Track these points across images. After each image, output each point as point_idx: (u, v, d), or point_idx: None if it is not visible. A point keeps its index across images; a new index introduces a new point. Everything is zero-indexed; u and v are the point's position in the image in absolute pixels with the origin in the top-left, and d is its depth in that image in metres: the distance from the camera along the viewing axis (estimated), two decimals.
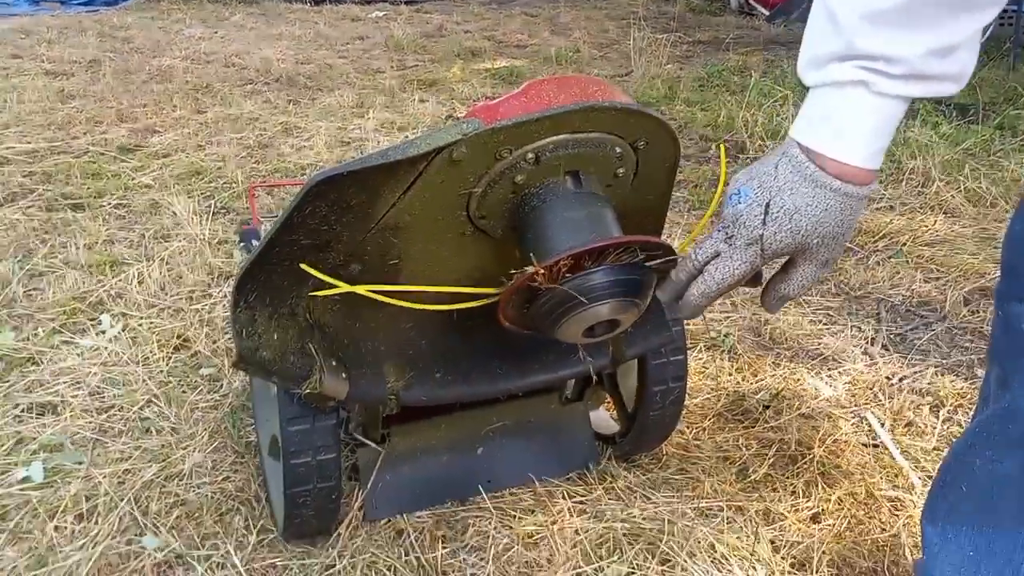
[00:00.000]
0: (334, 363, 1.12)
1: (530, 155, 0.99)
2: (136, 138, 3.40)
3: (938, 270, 2.34)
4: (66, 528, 1.34)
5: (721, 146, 1.36)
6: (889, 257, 2.42)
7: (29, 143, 3.28)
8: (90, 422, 1.63)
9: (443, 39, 5.79)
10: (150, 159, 3.14)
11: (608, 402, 1.60)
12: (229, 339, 1.91)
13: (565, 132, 0.98)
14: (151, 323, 1.98)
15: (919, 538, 0.96)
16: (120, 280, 2.17)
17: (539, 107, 0.96)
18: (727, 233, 0.82)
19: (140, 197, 2.76)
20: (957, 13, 0.69)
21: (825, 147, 0.75)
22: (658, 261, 0.99)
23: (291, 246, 1.00)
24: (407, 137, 3.44)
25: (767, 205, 0.78)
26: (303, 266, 0.99)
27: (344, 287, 1.00)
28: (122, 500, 1.40)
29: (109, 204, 2.71)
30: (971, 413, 1.67)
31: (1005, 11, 5.18)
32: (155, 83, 4.32)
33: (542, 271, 0.94)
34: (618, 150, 1.03)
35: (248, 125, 3.58)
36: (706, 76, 4.48)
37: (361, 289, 1.02)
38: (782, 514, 1.40)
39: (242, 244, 2.39)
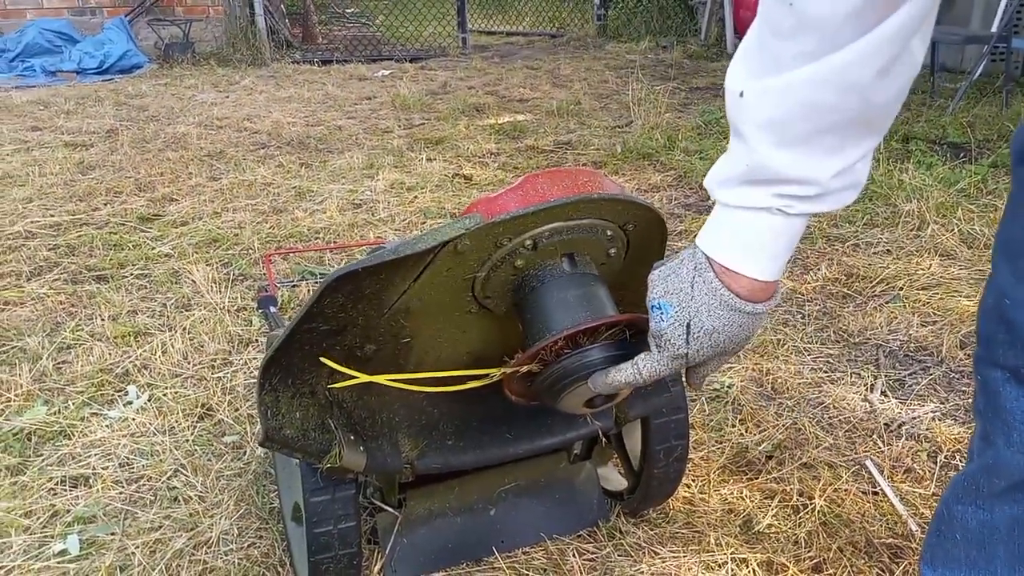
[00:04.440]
0: (352, 437, 1.20)
1: (528, 242, 1.07)
2: (154, 207, 3.52)
3: (935, 313, 2.40)
4: None
5: None
6: (887, 302, 2.49)
7: (53, 216, 3.41)
8: (121, 493, 1.70)
9: (448, 96, 5.96)
10: (168, 228, 3.26)
11: (616, 459, 1.67)
12: (251, 406, 1.99)
13: (559, 221, 1.06)
14: (175, 392, 2.07)
15: None
16: (145, 351, 2.27)
17: (534, 200, 1.05)
18: (655, 342, 0.90)
19: (160, 267, 2.87)
20: (860, 138, 0.75)
21: (737, 266, 0.81)
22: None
23: (311, 332, 1.09)
24: (416, 197, 3.55)
25: (688, 325, 0.85)
26: (323, 359, 1.07)
27: (362, 377, 1.08)
28: (154, 570, 1.47)
29: (131, 275, 2.82)
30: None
31: (996, 47, 5.30)
32: (171, 151, 4.47)
33: (534, 364, 1.03)
34: (609, 233, 1.12)
35: (262, 191, 3.71)
36: (703, 124, 4.60)
37: (379, 379, 1.10)
38: (784, 565, 1.45)
39: (260, 310, 2.49)
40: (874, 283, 2.60)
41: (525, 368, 1.05)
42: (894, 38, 0.69)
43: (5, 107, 5.81)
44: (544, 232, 1.07)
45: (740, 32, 7.42)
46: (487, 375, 1.12)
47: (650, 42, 8.28)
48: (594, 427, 1.34)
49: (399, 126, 4.99)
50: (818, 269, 2.72)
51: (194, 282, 2.71)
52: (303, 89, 6.30)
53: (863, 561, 1.46)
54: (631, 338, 1.06)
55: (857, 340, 2.29)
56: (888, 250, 2.86)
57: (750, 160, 0.76)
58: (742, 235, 0.81)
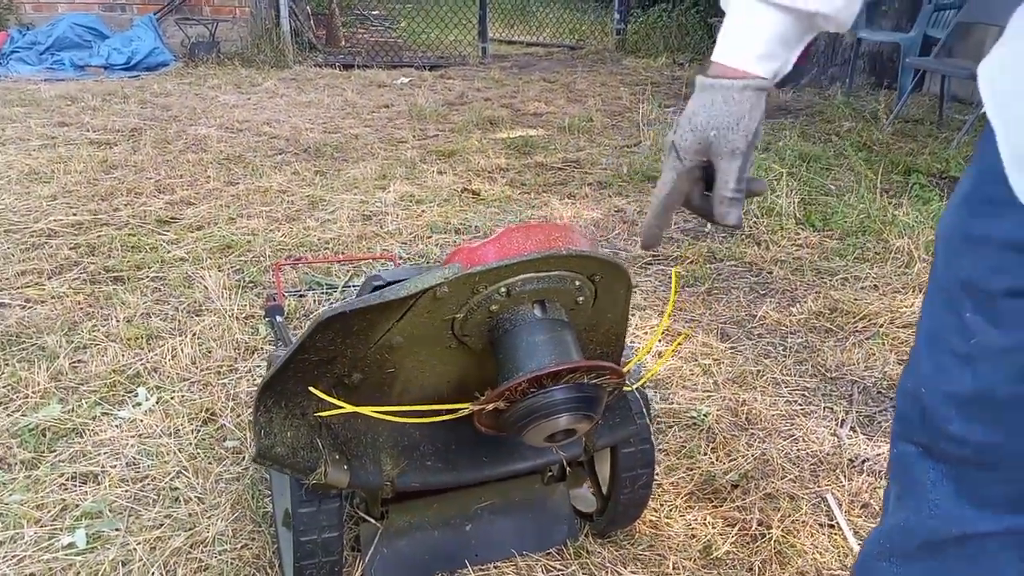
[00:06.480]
0: (337, 456, 1.32)
1: (502, 289, 1.19)
2: (172, 210, 3.66)
3: None
4: None
5: (675, 271, 1.55)
6: (867, 338, 2.58)
7: (75, 215, 3.55)
8: (126, 491, 1.83)
9: (464, 107, 6.08)
10: (185, 232, 3.39)
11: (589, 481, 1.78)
12: (251, 414, 2.11)
13: (531, 272, 1.18)
14: (182, 396, 2.20)
15: None
16: (155, 354, 2.40)
17: (510, 252, 1.16)
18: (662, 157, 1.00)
19: (175, 271, 3.00)
20: None
21: (715, 55, 0.92)
22: (607, 379, 1.18)
23: (304, 362, 1.20)
24: (424, 211, 3.67)
25: (678, 120, 0.95)
26: (312, 389, 1.19)
27: (347, 408, 1.20)
28: (154, 565, 1.60)
29: (147, 277, 2.95)
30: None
31: None
32: (191, 153, 4.62)
33: (501, 403, 1.14)
34: (577, 283, 1.23)
35: (276, 198, 3.84)
36: None
37: (362, 410, 1.22)
38: None
39: (267, 319, 2.62)
40: (857, 319, 2.69)
41: (492, 405, 1.17)
42: None
43: (34, 100, 5.98)
44: (517, 281, 1.18)
45: None
46: (459, 410, 1.23)
47: (667, 59, 8.38)
48: (560, 455, 1.45)
49: (413, 137, 5.11)
50: (804, 302, 2.81)
51: (206, 287, 2.84)
52: (323, 94, 6.44)
53: None
54: (590, 382, 1.17)
55: (834, 375, 2.39)
56: (875, 286, 2.96)
57: None
58: (724, 29, 0.92)
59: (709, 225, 3.54)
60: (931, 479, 0.94)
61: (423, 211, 3.68)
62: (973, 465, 0.87)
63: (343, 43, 9.23)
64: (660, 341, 2.57)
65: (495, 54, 9.04)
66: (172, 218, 3.57)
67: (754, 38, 0.90)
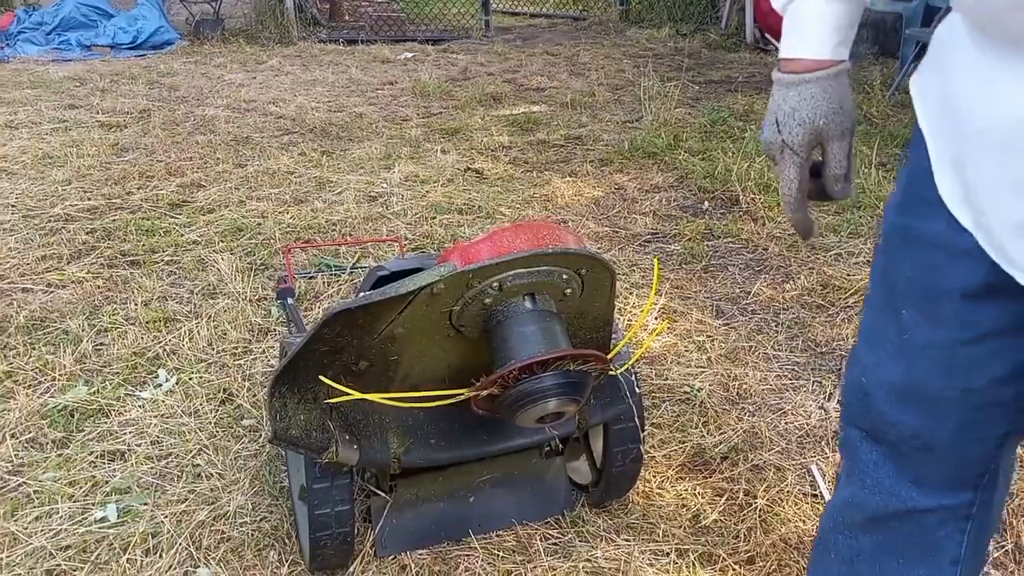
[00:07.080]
0: (347, 436, 1.43)
1: (495, 284, 1.29)
2: (184, 193, 3.76)
3: None
4: (136, 560, 1.66)
5: (656, 259, 1.65)
6: (857, 313, 2.67)
7: (90, 199, 3.66)
8: (152, 468, 1.95)
9: (467, 82, 6.13)
10: (197, 215, 3.50)
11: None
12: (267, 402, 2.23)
13: (520, 268, 1.27)
14: (200, 377, 2.31)
15: None
16: (173, 337, 2.51)
17: (502, 250, 1.26)
18: (771, 160, 1.05)
19: (188, 254, 3.11)
20: None
21: (788, 52, 1.00)
22: (592, 365, 1.29)
23: (314, 353, 1.31)
24: (428, 192, 3.76)
25: (776, 120, 1.02)
26: (322, 378, 1.29)
27: (355, 395, 1.31)
28: (180, 537, 1.72)
29: (162, 261, 3.06)
30: None
31: None
32: (200, 134, 4.70)
33: (495, 388, 1.24)
34: (565, 276, 1.33)
35: (285, 180, 3.93)
36: (710, 123, 4.75)
37: (369, 396, 1.32)
38: (722, 556, 1.67)
39: (279, 301, 2.72)
40: (848, 294, 2.78)
41: (487, 391, 1.27)
42: None
43: (43, 83, 6.07)
44: (508, 276, 1.28)
45: (760, 22, 7.50)
46: (456, 395, 1.34)
47: (671, 29, 8.37)
48: (554, 434, 1.56)
49: (417, 115, 5.18)
50: (798, 278, 2.90)
51: (219, 271, 2.94)
52: (328, 71, 6.49)
53: (792, 556, 1.68)
54: (577, 368, 1.27)
55: (823, 350, 2.49)
56: (868, 261, 3.04)
57: None
58: (789, 26, 1.00)
59: (707, 203, 3.62)
60: (873, 460, 1.04)
61: (427, 191, 3.77)
62: (909, 448, 0.98)
63: (347, 17, 9.24)
64: (656, 319, 2.67)
65: (498, 26, 9.04)
66: (184, 201, 3.67)
67: (830, 29, 0.98)
